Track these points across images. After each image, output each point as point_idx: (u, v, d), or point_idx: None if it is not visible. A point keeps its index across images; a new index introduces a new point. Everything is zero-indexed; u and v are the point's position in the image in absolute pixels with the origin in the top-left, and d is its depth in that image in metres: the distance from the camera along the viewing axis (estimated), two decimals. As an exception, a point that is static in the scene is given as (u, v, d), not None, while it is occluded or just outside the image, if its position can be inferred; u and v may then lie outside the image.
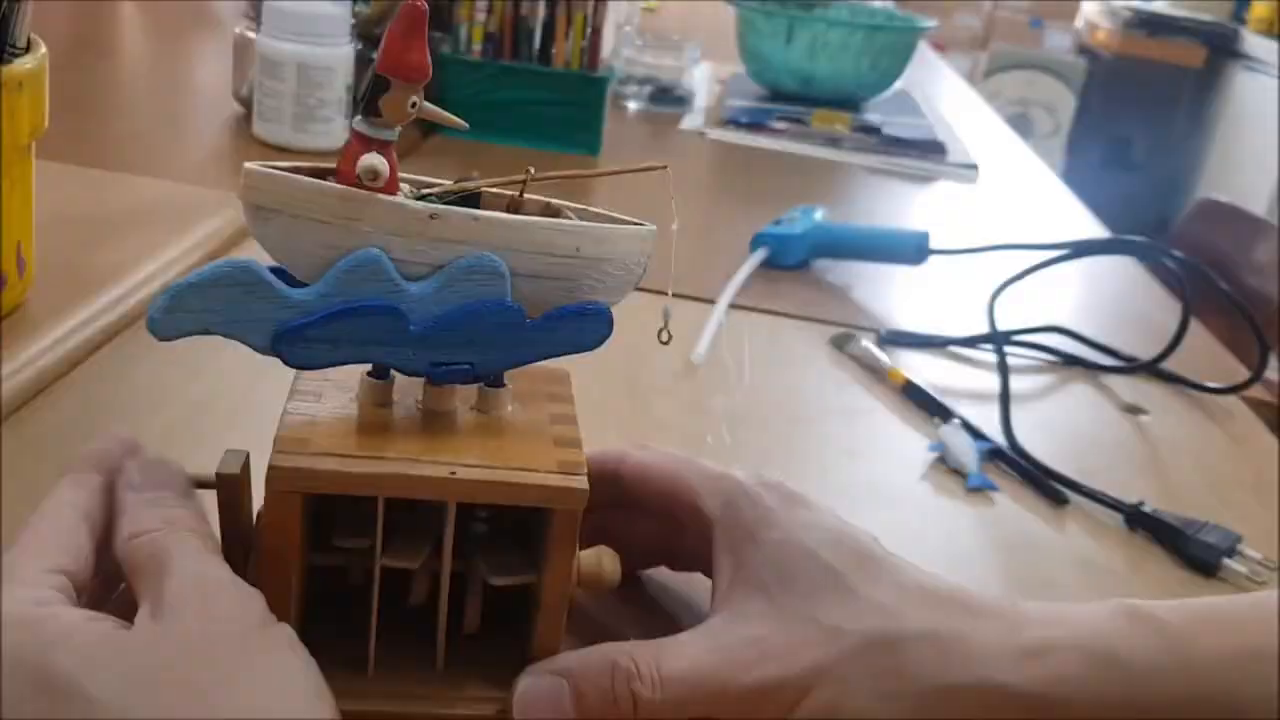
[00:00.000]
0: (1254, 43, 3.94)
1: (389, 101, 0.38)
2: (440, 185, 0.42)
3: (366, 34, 1.13)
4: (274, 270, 0.39)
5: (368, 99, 0.38)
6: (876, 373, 0.78)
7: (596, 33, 1.16)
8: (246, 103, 1.06)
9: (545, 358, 0.42)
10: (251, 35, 1.04)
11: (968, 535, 0.62)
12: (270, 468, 0.37)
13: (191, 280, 0.36)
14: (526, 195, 0.43)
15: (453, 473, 0.38)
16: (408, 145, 1.12)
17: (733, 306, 0.85)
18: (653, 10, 2.12)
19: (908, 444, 0.70)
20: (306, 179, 0.37)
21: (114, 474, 0.39)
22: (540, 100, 1.16)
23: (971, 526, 0.63)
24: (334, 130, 1.02)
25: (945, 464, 0.67)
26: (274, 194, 0.37)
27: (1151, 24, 4.19)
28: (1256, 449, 0.78)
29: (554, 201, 0.44)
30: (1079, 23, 4.56)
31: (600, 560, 0.43)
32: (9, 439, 0.55)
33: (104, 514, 0.39)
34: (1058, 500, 0.66)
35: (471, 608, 0.42)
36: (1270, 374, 0.89)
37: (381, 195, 0.38)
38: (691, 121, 1.40)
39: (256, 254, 0.38)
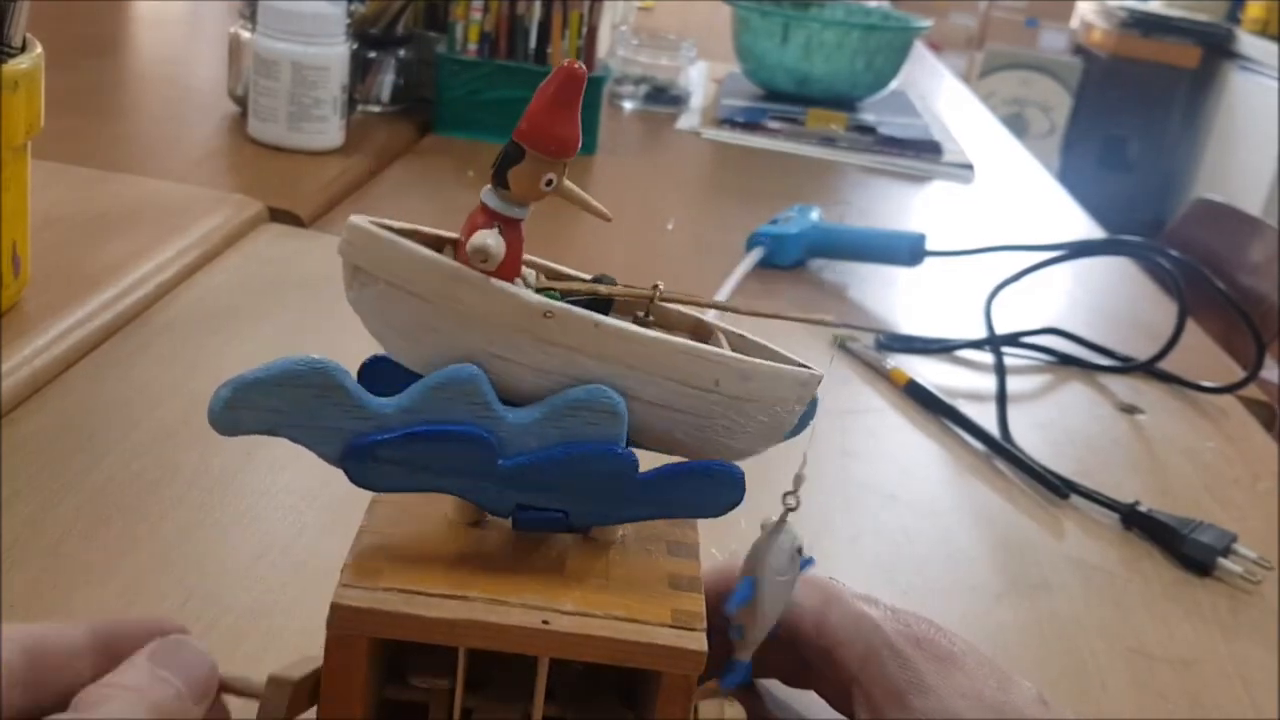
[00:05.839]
0: (1249, 43, 3.95)
1: (519, 174, 0.33)
2: (573, 278, 0.36)
3: (362, 33, 1.13)
4: (374, 364, 0.35)
5: (498, 166, 0.33)
6: (878, 372, 0.78)
7: (592, 32, 1.16)
8: (242, 102, 1.06)
9: (656, 518, 0.36)
10: (246, 34, 1.04)
11: (964, 535, 0.62)
12: (333, 606, 0.32)
13: (259, 375, 0.32)
14: (680, 309, 0.37)
15: (545, 622, 0.32)
16: (402, 144, 1.12)
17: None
18: (648, 9, 2.12)
19: (907, 444, 0.71)
20: (412, 246, 0.33)
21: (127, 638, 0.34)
22: (536, 100, 1.16)
23: (968, 526, 0.63)
24: (329, 130, 1.02)
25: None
26: (375, 257, 0.33)
27: (1147, 24, 4.20)
28: (1252, 448, 0.78)
29: (710, 320, 0.38)
30: (1074, 23, 4.57)
31: (722, 716, 0.37)
32: (4, 439, 0.55)
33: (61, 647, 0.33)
34: (1059, 494, 0.66)
35: None
36: (1266, 373, 0.89)
37: (495, 280, 0.33)
38: (687, 121, 1.40)
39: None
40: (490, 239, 0.33)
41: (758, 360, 0.35)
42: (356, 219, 0.33)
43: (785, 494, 0.37)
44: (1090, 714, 0.50)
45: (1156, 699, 0.51)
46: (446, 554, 0.35)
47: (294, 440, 0.33)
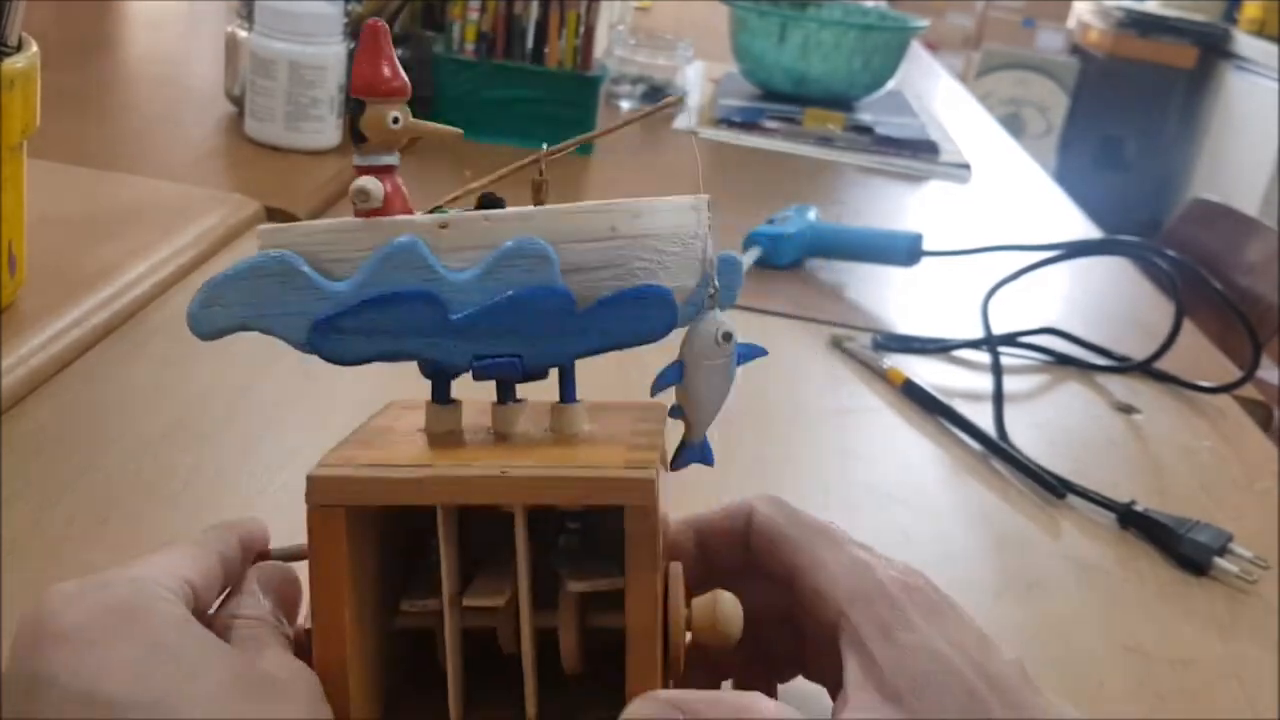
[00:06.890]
0: (1245, 43, 3.96)
1: (367, 121, 0.38)
2: (457, 197, 0.40)
3: (358, 32, 1.12)
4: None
5: (353, 129, 0.38)
6: (875, 372, 0.78)
7: (589, 32, 1.16)
8: (239, 102, 1.06)
9: (602, 349, 0.38)
10: (243, 34, 1.03)
11: (961, 535, 0.62)
12: (309, 478, 0.35)
13: (227, 273, 0.36)
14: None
15: (503, 471, 0.35)
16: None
17: (726, 306, 0.85)
18: (645, 9, 2.12)
19: (903, 444, 0.71)
20: (305, 223, 0.37)
21: (246, 549, 0.40)
22: (533, 99, 1.16)
23: (964, 525, 0.63)
24: (326, 129, 1.02)
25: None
26: (289, 247, 0.36)
27: (1143, 24, 4.21)
28: (1248, 448, 0.78)
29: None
30: (1071, 23, 4.58)
31: (715, 605, 0.37)
32: (1, 438, 0.55)
33: (234, 566, 0.39)
34: (1056, 494, 0.66)
35: (567, 643, 0.37)
36: (1263, 373, 0.89)
37: (383, 218, 0.37)
38: (684, 121, 1.40)
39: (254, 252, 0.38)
40: (364, 181, 0.37)
41: (644, 199, 0.38)
42: (262, 225, 0.37)
43: (709, 288, 0.39)
44: (1087, 713, 0.50)
45: (1153, 698, 0.52)
46: (417, 445, 0.38)
47: (265, 331, 0.36)
